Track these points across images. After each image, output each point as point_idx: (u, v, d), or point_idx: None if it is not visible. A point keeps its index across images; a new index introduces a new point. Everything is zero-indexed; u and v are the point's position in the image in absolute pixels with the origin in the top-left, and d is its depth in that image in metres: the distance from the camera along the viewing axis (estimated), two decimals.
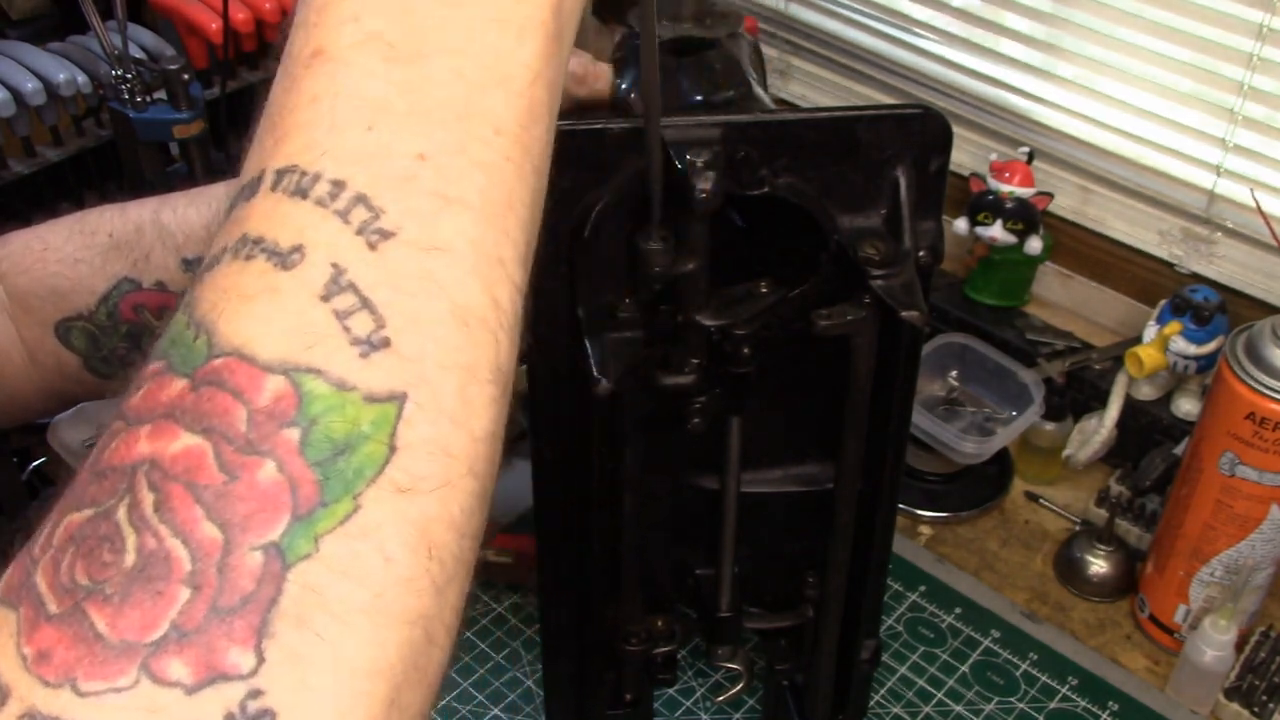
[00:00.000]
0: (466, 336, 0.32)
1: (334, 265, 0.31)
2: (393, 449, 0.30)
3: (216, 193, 0.67)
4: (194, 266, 0.65)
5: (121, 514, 0.29)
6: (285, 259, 0.31)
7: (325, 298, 0.31)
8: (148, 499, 0.29)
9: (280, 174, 0.32)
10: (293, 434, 0.29)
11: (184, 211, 0.66)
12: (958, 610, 0.92)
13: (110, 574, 0.28)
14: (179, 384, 0.30)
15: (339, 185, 0.32)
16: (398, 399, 0.30)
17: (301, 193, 0.32)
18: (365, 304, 0.31)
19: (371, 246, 0.31)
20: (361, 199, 0.32)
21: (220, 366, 0.30)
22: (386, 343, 0.31)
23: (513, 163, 0.34)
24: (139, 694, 0.27)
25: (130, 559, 0.28)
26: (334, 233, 0.31)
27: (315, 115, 0.33)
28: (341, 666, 0.28)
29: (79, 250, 0.65)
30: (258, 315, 0.30)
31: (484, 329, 0.33)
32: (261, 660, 0.27)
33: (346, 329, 0.30)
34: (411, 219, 0.32)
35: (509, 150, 0.34)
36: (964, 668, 0.88)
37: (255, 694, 0.27)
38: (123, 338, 0.66)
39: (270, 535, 0.28)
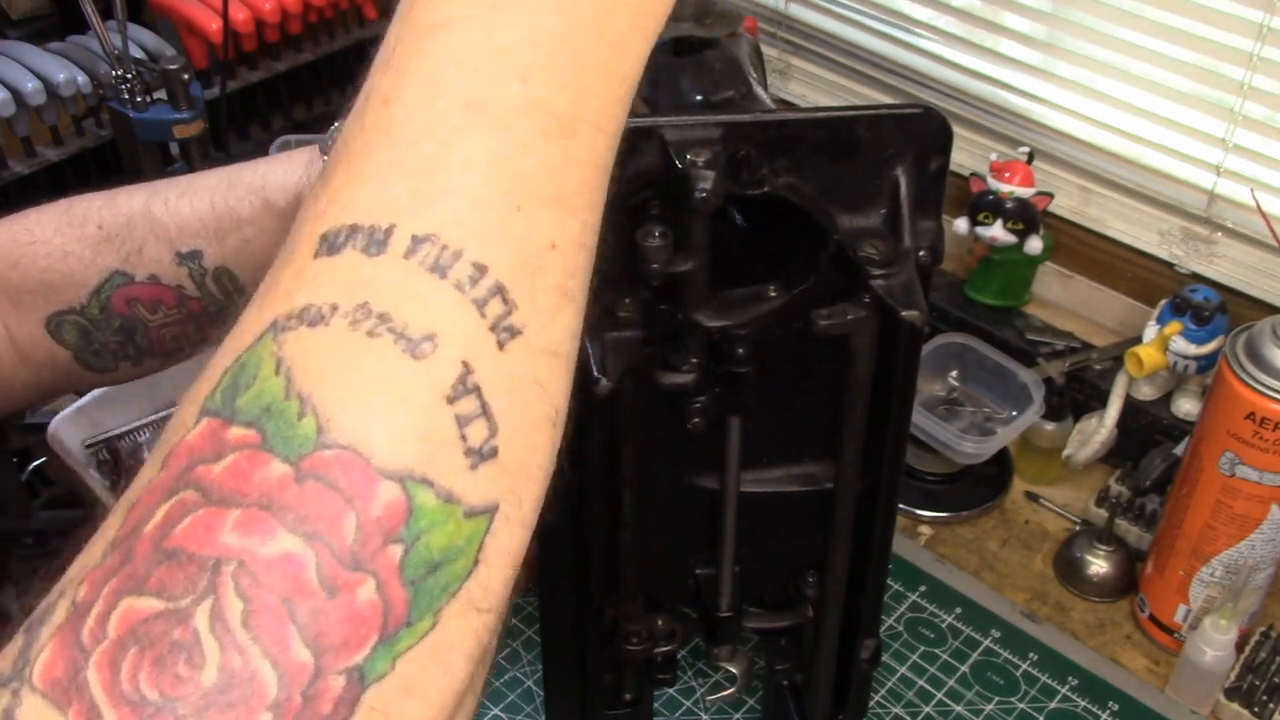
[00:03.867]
0: (552, 440, 0.32)
1: (464, 364, 0.29)
2: (476, 562, 0.29)
3: (208, 183, 0.65)
4: (188, 260, 0.64)
5: (201, 620, 0.26)
6: (415, 346, 0.29)
7: (450, 399, 0.29)
8: (234, 607, 0.26)
9: (418, 241, 0.30)
10: (396, 551, 0.28)
11: (175, 204, 0.65)
12: (958, 610, 0.92)
13: (186, 691, 0.26)
14: (279, 469, 0.28)
15: (480, 270, 0.30)
16: (490, 512, 0.30)
17: (440, 271, 0.29)
18: (484, 411, 0.29)
19: (500, 346, 0.30)
20: (499, 290, 0.30)
21: (332, 460, 0.28)
22: (495, 453, 0.30)
23: (591, 247, 0.34)
24: None
25: (211, 677, 0.26)
26: (469, 326, 0.30)
27: (465, 183, 0.31)
28: None
29: (69, 243, 0.64)
30: (380, 410, 0.28)
31: (561, 423, 0.32)
32: None
33: (464, 437, 0.29)
34: (536, 317, 0.31)
35: (595, 235, 0.34)
36: (964, 668, 0.88)
37: None
38: (115, 331, 0.65)
39: (356, 658, 0.27)
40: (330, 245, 0.30)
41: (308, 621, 0.27)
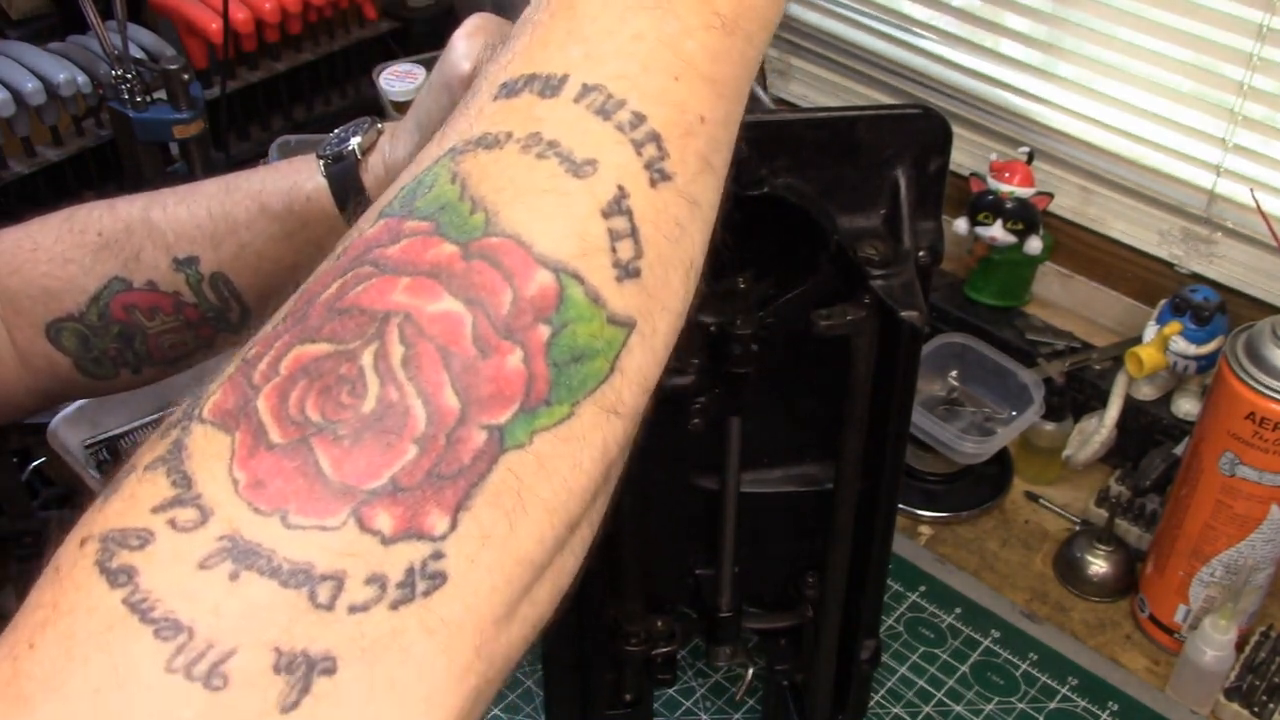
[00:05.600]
0: (686, 287, 0.35)
1: (620, 188, 0.33)
2: (613, 370, 0.32)
3: (207, 190, 0.66)
4: (184, 266, 0.65)
5: (367, 359, 0.30)
6: (579, 168, 0.33)
7: (606, 214, 0.33)
8: (397, 351, 0.30)
9: (587, 89, 0.34)
10: (545, 331, 0.31)
11: (174, 210, 0.65)
12: (958, 610, 0.92)
13: (345, 416, 0.29)
14: (449, 248, 0.31)
15: (640, 118, 0.34)
16: (628, 326, 0.33)
17: (605, 114, 0.34)
18: (633, 233, 0.33)
19: (652, 184, 0.34)
20: (655, 138, 0.34)
21: (497, 245, 0.31)
22: (638, 273, 0.33)
23: (732, 136, 0.38)
24: (341, 536, 0.28)
25: (369, 406, 0.29)
26: (627, 159, 0.33)
27: (633, 50, 0.35)
28: (510, 551, 0.30)
29: (69, 250, 0.64)
30: (543, 210, 0.32)
31: (694, 282, 0.36)
32: (453, 528, 0.29)
33: (614, 249, 0.33)
34: (684, 170, 0.35)
35: (735, 128, 0.38)
36: (964, 668, 0.88)
37: (437, 556, 0.29)
38: (114, 338, 0.66)
39: (498, 419, 0.30)
40: (509, 90, 0.34)
41: (460, 372, 0.30)
